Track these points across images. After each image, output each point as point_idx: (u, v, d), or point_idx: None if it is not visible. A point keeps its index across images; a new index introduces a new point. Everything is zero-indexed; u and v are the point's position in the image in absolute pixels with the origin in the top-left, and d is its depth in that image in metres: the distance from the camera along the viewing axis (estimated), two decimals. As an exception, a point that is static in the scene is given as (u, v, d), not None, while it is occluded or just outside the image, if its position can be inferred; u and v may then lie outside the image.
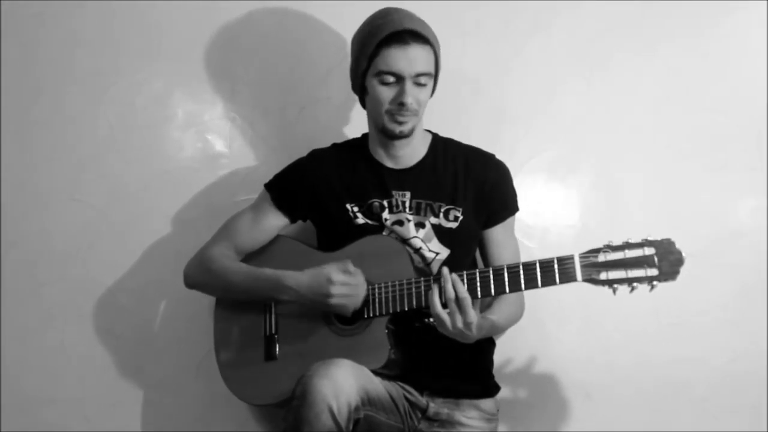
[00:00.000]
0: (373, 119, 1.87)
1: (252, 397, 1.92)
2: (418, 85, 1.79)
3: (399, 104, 1.78)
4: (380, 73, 1.78)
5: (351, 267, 1.76)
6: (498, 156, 1.94)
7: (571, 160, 2.18)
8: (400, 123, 1.81)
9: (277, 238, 1.97)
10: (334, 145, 2.00)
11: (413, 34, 1.75)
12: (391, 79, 1.78)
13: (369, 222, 1.88)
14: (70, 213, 2.24)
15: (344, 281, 1.75)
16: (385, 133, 1.84)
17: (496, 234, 1.93)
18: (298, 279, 1.80)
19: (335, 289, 1.74)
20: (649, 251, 1.58)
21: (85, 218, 2.23)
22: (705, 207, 2.14)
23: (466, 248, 1.91)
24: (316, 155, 1.97)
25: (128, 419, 2.22)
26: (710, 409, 2.11)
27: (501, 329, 1.95)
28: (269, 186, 1.97)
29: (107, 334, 2.23)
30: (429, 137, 1.95)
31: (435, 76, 1.84)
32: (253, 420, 2.17)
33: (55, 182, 2.25)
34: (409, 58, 1.75)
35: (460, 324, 1.66)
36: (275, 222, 1.95)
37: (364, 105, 1.91)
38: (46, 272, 2.24)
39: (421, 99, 1.81)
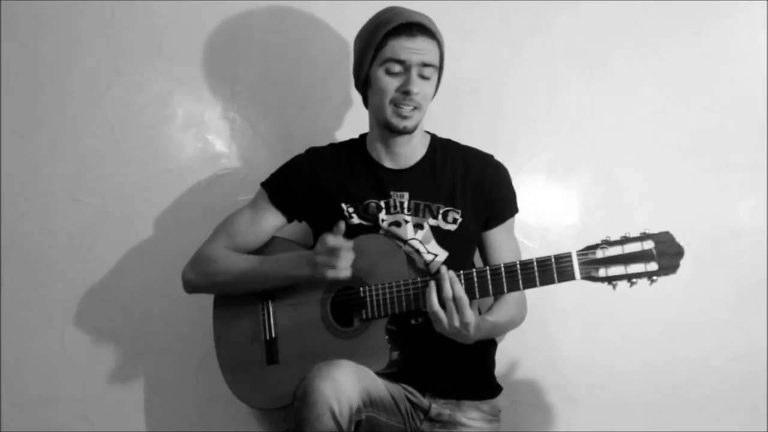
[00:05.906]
0: (376, 114, 1.86)
1: (256, 402, 1.92)
2: (423, 77, 1.80)
3: (404, 93, 1.79)
4: (387, 61, 1.79)
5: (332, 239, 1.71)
6: (497, 156, 1.94)
7: (571, 160, 2.18)
8: (404, 117, 1.81)
9: (272, 240, 1.96)
10: (331, 145, 2.00)
11: (421, 28, 1.78)
12: (398, 68, 1.79)
13: (364, 223, 1.87)
14: (71, 213, 2.24)
15: (329, 249, 1.70)
16: (388, 127, 1.84)
17: (496, 236, 1.92)
18: (280, 258, 1.85)
19: (320, 258, 1.72)
20: (647, 245, 1.55)
21: (86, 218, 2.24)
22: (705, 207, 2.14)
23: (464, 251, 1.91)
24: (312, 153, 1.97)
25: (128, 419, 2.22)
26: (710, 409, 2.11)
27: (501, 331, 1.93)
28: (266, 184, 1.97)
29: (107, 334, 2.23)
30: (428, 138, 1.95)
31: (439, 73, 1.85)
32: (253, 420, 2.16)
33: (55, 182, 2.25)
34: (416, 48, 1.78)
35: (456, 323, 1.65)
36: (272, 220, 1.94)
37: (366, 104, 1.91)
38: (46, 272, 2.24)
39: (426, 93, 1.82)
